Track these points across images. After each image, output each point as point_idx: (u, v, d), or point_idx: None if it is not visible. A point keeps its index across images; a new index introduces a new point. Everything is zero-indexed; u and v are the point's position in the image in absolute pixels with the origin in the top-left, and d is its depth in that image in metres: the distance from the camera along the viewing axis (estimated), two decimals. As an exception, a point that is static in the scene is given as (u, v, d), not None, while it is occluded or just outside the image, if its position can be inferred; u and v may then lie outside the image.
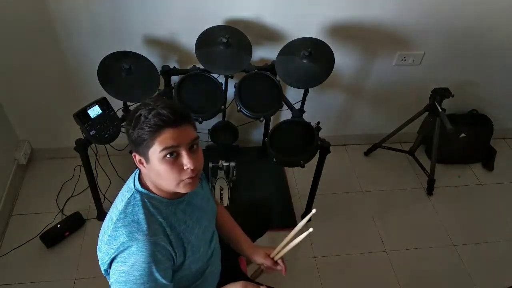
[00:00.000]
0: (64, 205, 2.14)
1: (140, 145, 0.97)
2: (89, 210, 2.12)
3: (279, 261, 1.30)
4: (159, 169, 0.97)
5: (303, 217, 1.24)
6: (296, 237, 1.23)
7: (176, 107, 0.97)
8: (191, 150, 0.98)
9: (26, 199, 2.16)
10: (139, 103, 1.00)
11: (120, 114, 1.70)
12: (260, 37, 1.96)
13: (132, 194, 1.04)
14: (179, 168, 0.98)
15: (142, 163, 1.01)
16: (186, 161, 0.97)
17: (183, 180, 0.99)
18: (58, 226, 1.99)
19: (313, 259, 2.02)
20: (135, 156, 1.02)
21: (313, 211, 1.20)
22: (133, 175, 1.10)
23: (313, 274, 1.96)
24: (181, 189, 1.01)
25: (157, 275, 0.98)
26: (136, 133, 0.96)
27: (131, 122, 0.97)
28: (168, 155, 0.95)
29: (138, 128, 0.95)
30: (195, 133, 1.01)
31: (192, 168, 0.97)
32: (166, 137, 0.94)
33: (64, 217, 2.06)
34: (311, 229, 1.16)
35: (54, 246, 1.97)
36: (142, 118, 0.95)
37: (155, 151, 0.95)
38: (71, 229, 2.01)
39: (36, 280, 1.85)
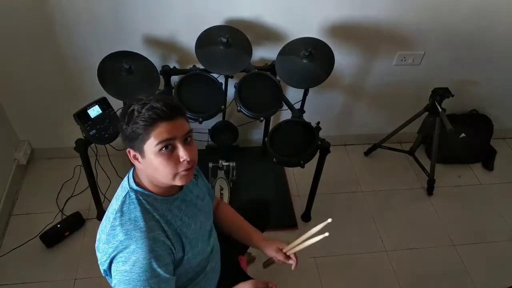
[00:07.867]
0: (64, 205, 2.14)
1: (135, 140, 0.97)
2: (89, 210, 2.12)
3: (292, 256, 1.28)
4: (155, 163, 0.97)
5: (315, 225, 1.19)
6: (310, 239, 1.22)
7: (169, 100, 0.97)
8: (185, 142, 0.99)
9: (26, 199, 2.16)
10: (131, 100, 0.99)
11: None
12: (260, 37, 1.96)
13: (127, 193, 1.04)
14: (175, 160, 0.98)
15: (137, 158, 1.01)
16: (182, 153, 0.97)
17: (179, 173, 1.00)
18: (58, 226, 1.99)
19: (313, 259, 2.02)
20: (129, 152, 1.01)
21: (329, 220, 1.19)
22: (127, 174, 1.10)
23: (313, 274, 1.96)
24: (177, 182, 1.01)
25: (159, 270, 0.98)
26: (130, 128, 0.95)
27: (124, 117, 0.97)
28: (163, 148, 0.96)
29: (132, 123, 0.95)
30: (188, 125, 1.01)
31: (188, 160, 0.98)
32: (161, 130, 0.94)
33: (64, 217, 2.07)
34: (326, 234, 1.16)
35: (54, 246, 1.97)
36: (136, 112, 0.95)
37: (151, 144, 0.95)
38: (71, 229, 2.01)
39: (36, 280, 1.85)
